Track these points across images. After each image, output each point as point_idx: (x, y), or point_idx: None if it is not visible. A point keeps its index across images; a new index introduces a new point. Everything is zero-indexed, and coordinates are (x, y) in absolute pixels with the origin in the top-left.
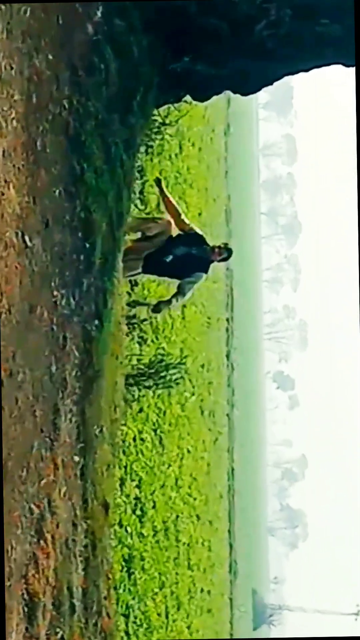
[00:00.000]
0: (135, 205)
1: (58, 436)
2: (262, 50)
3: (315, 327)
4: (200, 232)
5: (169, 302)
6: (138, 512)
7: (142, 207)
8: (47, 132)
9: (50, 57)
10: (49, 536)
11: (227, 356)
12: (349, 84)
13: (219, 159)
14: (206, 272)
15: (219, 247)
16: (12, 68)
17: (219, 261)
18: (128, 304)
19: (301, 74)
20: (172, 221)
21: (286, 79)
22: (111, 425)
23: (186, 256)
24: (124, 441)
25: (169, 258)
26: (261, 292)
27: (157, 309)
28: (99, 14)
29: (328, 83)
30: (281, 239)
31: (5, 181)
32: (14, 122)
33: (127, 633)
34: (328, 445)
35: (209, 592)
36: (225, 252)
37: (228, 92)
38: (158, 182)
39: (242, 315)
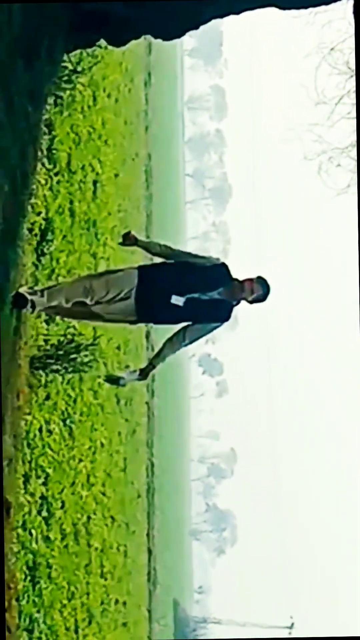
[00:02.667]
0: (43, 164)
1: None
2: None
3: (245, 305)
4: (214, 259)
5: (149, 367)
6: (44, 513)
7: (50, 166)
8: None
9: None
10: None
11: (147, 337)
12: (283, 28)
13: (138, 113)
14: (227, 318)
15: (250, 280)
16: None
17: (251, 302)
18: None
19: (231, 17)
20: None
21: (214, 22)
22: (13, 415)
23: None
24: (28, 432)
25: (179, 300)
26: None
27: (142, 376)
28: None
29: (261, 27)
30: (209, 204)
31: None
32: None
33: None
34: (259, 438)
35: (124, 603)
36: (261, 289)
37: (148, 37)
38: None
39: None
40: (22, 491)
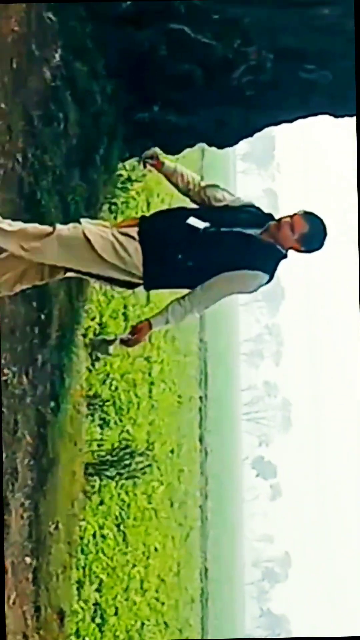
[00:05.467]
0: None
1: (8, 535)
2: (240, 97)
3: (299, 407)
4: (246, 201)
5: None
6: (98, 620)
7: None
8: None
9: (2, 105)
10: None
11: (200, 440)
12: (337, 136)
13: None
14: (270, 271)
15: (290, 216)
16: None
17: (302, 252)
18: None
19: (284, 125)
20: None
21: (268, 129)
22: (68, 521)
23: (226, 244)
24: (82, 538)
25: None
26: (239, 366)
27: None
28: (57, 57)
29: (314, 132)
30: (262, 306)
31: None
32: None
33: None
34: (314, 541)
35: None
36: (307, 225)
37: (202, 144)
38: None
39: (218, 393)
40: (76, 598)
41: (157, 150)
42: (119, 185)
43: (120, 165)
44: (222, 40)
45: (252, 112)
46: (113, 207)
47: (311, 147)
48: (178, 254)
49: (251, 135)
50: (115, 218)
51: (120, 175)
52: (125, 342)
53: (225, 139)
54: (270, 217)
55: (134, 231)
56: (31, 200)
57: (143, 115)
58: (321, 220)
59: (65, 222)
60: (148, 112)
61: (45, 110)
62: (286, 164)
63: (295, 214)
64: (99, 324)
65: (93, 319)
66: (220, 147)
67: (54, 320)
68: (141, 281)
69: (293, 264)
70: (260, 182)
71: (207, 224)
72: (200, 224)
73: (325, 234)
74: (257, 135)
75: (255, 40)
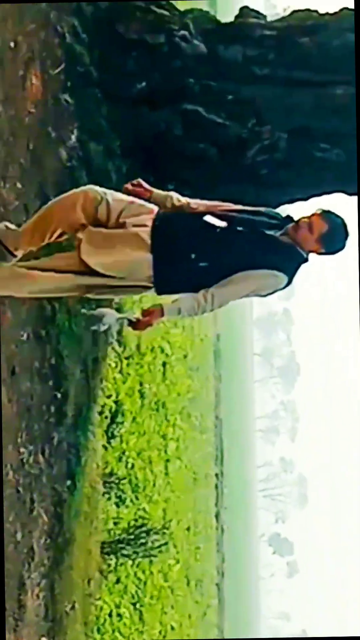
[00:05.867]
0: (113, 348)
1: (23, 615)
2: (254, 176)
3: (315, 483)
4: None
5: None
6: None
7: (120, 349)
8: None
9: (19, 185)
10: None
11: (217, 517)
12: (350, 211)
13: None
14: (290, 274)
15: (312, 216)
16: None
17: (324, 254)
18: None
19: (299, 203)
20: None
21: (282, 208)
22: (84, 601)
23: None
24: (98, 618)
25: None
26: (254, 443)
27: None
28: (73, 138)
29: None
30: (277, 382)
31: None
32: None
33: None
34: (331, 619)
35: None
36: (326, 224)
37: None
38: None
39: (234, 470)
40: None
41: (141, 180)
42: None
43: None
44: (236, 120)
45: (266, 191)
46: None
47: None
48: (191, 254)
49: None
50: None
51: None
52: (133, 325)
53: None
54: (289, 219)
55: (149, 219)
56: None
57: None
58: (342, 219)
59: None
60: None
61: (61, 191)
62: None
63: (313, 214)
64: (115, 402)
65: (109, 396)
66: None
67: (70, 399)
68: (151, 285)
69: (309, 340)
70: None
71: (224, 224)
72: (218, 222)
73: (347, 234)
74: None
75: (269, 120)
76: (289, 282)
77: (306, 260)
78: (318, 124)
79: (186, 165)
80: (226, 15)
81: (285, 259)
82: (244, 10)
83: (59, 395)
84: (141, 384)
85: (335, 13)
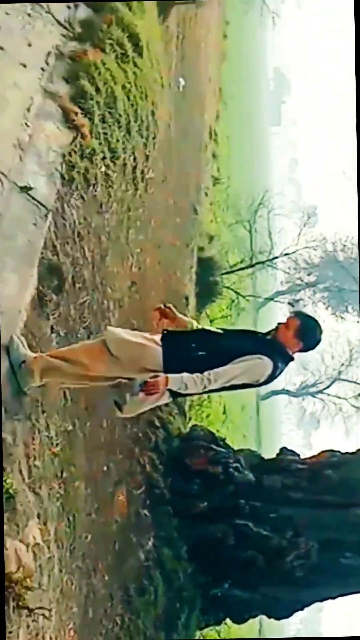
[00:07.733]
0: None
1: None
2: (292, 578)
3: None
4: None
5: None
6: None
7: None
8: None
9: (106, 577)
10: None
11: None
12: None
13: None
14: (276, 363)
15: (288, 318)
16: (72, 583)
17: (304, 350)
18: None
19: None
20: None
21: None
22: None
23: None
24: None
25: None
26: None
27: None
28: (150, 543)
29: None
30: None
31: None
32: (71, 614)
33: None
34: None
35: None
36: (298, 320)
37: (262, 616)
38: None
39: None
40: None
41: (171, 306)
42: None
43: (197, 633)
44: (277, 532)
45: (302, 590)
46: None
47: None
48: (192, 344)
49: (302, 609)
50: None
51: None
52: (142, 388)
53: (280, 612)
54: (269, 332)
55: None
56: None
57: (216, 591)
58: (312, 318)
59: None
60: (220, 588)
61: (139, 584)
62: None
63: (288, 317)
64: None
65: None
66: (277, 618)
67: None
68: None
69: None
70: None
71: None
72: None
73: (320, 329)
74: (306, 609)
75: (303, 533)
76: (275, 374)
77: (292, 359)
78: (344, 536)
79: (238, 568)
80: (269, 452)
81: (273, 350)
82: (283, 450)
83: None
84: None
85: (354, 452)
